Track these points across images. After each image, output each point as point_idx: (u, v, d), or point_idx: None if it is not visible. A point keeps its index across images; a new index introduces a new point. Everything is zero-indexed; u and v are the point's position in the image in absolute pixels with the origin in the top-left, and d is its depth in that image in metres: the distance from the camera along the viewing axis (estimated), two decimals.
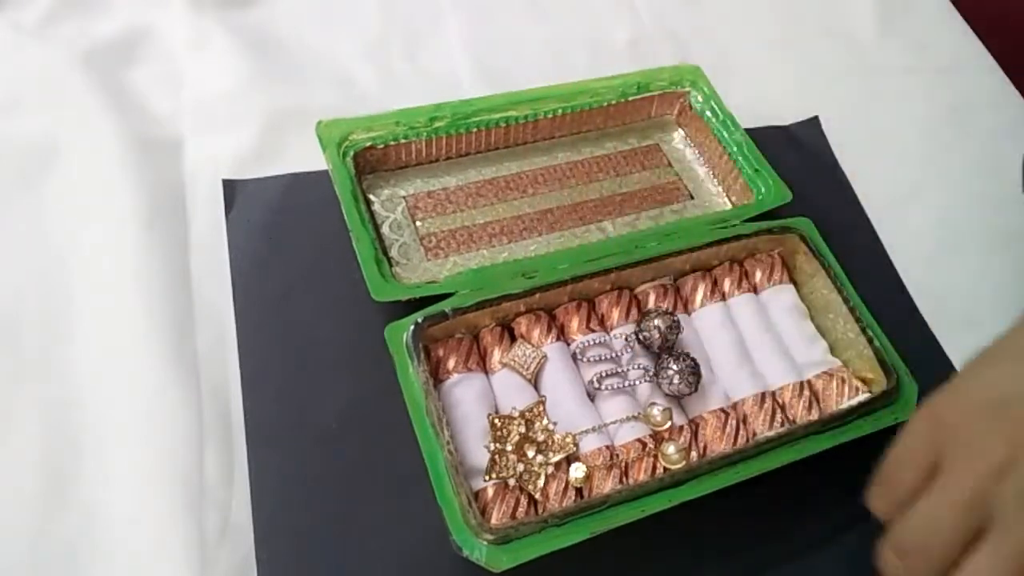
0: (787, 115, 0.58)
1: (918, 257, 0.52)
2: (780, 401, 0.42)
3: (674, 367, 0.40)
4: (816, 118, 0.58)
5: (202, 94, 0.52)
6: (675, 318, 0.41)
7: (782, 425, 0.40)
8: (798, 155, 0.56)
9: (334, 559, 0.37)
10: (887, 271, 0.51)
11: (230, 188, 0.48)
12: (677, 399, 0.41)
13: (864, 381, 0.42)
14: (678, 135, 0.54)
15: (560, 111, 0.51)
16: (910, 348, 0.42)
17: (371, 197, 0.47)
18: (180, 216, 0.47)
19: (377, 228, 0.45)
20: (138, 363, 0.41)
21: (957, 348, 0.47)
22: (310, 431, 0.40)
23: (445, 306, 0.40)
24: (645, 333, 0.41)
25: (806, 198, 0.53)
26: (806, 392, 0.42)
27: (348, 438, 0.40)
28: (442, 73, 0.57)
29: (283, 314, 0.44)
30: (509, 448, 0.37)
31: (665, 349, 0.41)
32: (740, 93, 0.58)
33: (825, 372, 0.43)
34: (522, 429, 0.38)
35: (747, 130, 0.56)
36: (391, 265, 0.44)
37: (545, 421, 0.38)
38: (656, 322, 0.41)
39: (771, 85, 0.60)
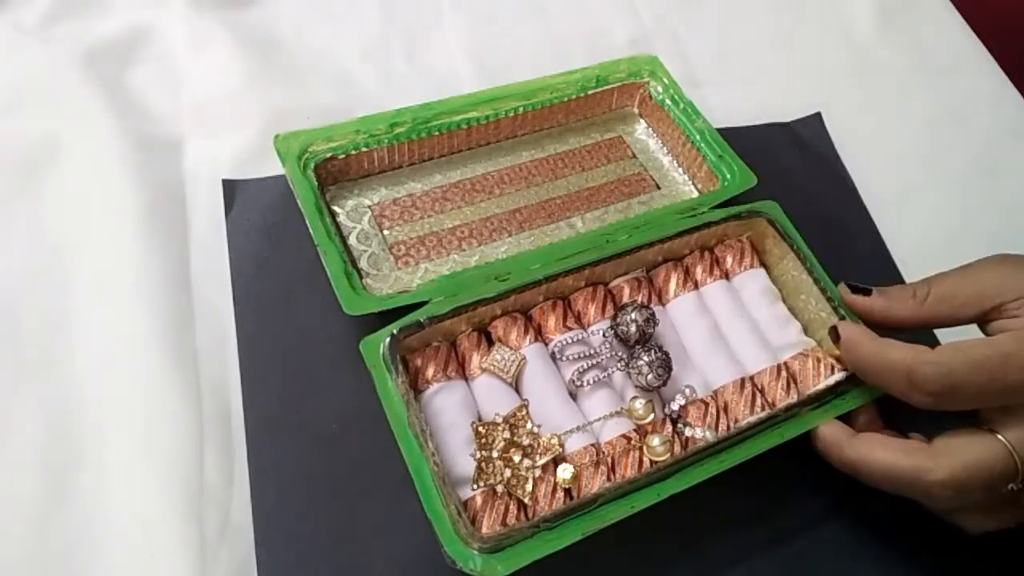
0: (787, 114, 0.58)
1: (919, 253, 0.52)
2: (759, 385, 0.42)
3: (645, 359, 0.40)
4: (819, 114, 0.58)
5: (202, 94, 0.52)
6: (651, 311, 0.41)
7: (763, 409, 0.41)
8: (800, 152, 0.56)
9: (334, 559, 0.37)
10: (888, 267, 0.51)
11: (230, 188, 0.48)
12: (655, 391, 0.41)
13: (839, 360, 0.42)
14: (640, 126, 0.54)
15: (521, 109, 0.50)
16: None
17: (336, 208, 0.46)
18: (180, 216, 0.47)
19: (344, 240, 0.44)
20: (138, 363, 0.41)
21: None
22: (310, 431, 0.40)
23: (420, 315, 0.39)
24: (622, 327, 0.41)
25: (808, 194, 0.53)
26: (783, 374, 0.42)
27: (348, 438, 0.40)
28: (442, 73, 0.57)
29: (283, 314, 0.44)
30: (495, 455, 0.37)
31: (643, 342, 0.41)
32: (740, 91, 0.58)
33: (800, 353, 0.43)
34: (507, 434, 0.37)
35: (748, 128, 0.56)
36: (361, 277, 0.43)
37: (529, 425, 0.38)
38: (632, 315, 0.41)
39: (771, 84, 0.60)
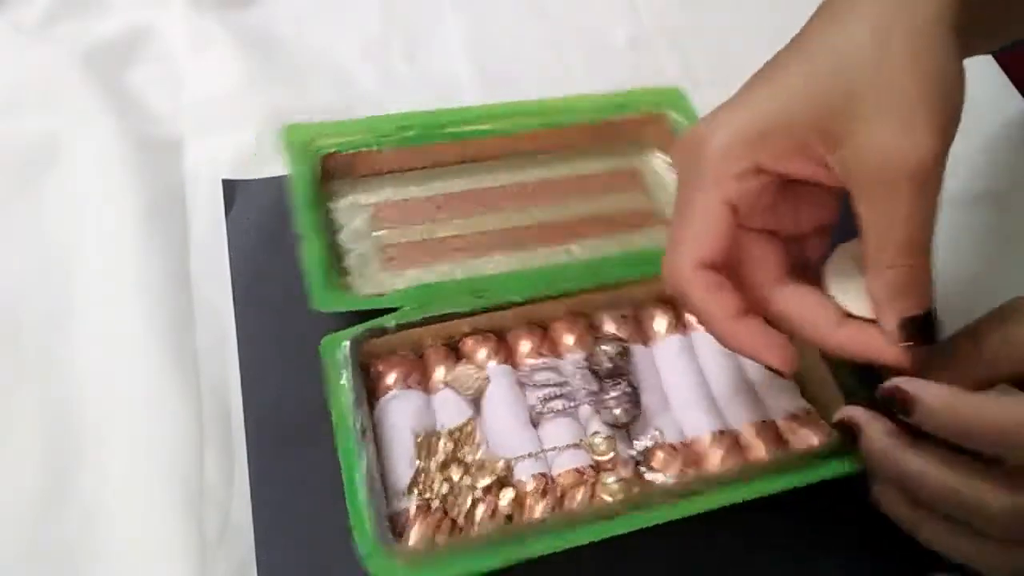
0: None
1: None
2: (740, 441, 0.39)
3: (613, 393, 0.38)
4: None
5: (202, 94, 0.52)
6: (625, 344, 0.40)
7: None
8: None
9: (334, 559, 0.37)
10: None
11: (230, 188, 0.48)
12: (624, 428, 0.39)
13: (836, 427, 0.38)
14: (658, 159, 0.52)
15: (535, 127, 0.49)
16: None
17: (332, 204, 0.46)
18: (180, 216, 0.47)
19: (335, 236, 0.44)
20: (138, 363, 0.41)
21: None
22: (310, 431, 0.40)
23: (387, 321, 0.39)
24: (595, 359, 0.40)
25: None
26: (770, 433, 0.39)
27: None
28: (442, 73, 0.57)
29: (283, 314, 0.44)
30: (433, 467, 0.36)
31: (614, 376, 0.39)
32: None
33: (792, 415, 0.40)
34: (449, 448, 0.36)
35: None
36: (345, 275, 0.42)
37: (476, 442, 0.37)
38: (605, 348, 0.39)
39: None
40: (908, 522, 0.34)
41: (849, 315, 0.33)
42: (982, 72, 0.63)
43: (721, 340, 0.33)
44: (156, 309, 0.43)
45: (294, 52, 0.56)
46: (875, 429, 0.33)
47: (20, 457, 0.38)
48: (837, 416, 0.35)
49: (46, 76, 0.51)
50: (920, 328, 0.31)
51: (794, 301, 0.34)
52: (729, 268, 0.33)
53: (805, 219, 0.35)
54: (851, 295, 0.33)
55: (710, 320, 0.33)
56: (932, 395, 0.31)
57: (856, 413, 0.34)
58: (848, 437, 0.34)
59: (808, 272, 0.35)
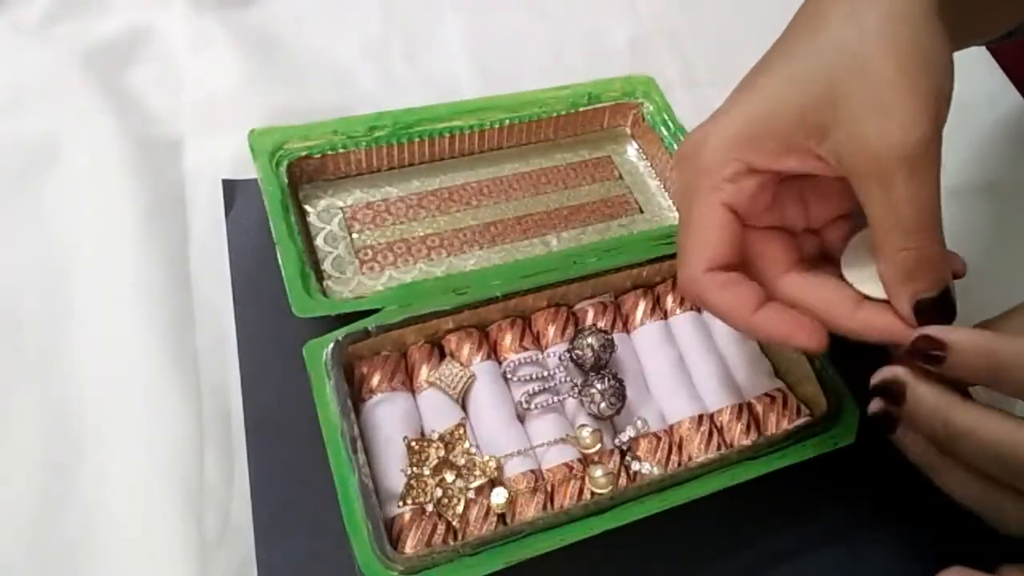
0: None
1: None
2: (718, 424, 0.40)
3: (597, 386, 0.38)
4: None
5: (202, 94, 0.52)
6: (609, 337, 0.40)
7: (719, 449, 0.39)
8: None
9: (334, 560, 0.37)
10: None
11: (230, 188, 0.48)
12: (608, 420, 0.39)
13: (807, 403, 0.41)
14: (632, 147, 0.53)
15: (507, 121, 0.49)
16: None
17: (307, 208, 0.46)
18: (180, 216, 0.47)
19: (311, 240, 0.44)
20: (138, 363, 0.41)
21: None
22: (309, 431, 0.40)
23: (368, 323, 0.39)
24: (578, 351, 0.40)
25: None
26: (745, 415, 0.40)
27: None
28: (442, 73, 0.57)
29: (283, 314, 0.43)
30: (427, 472, 0.36)
31: (597, 368, 0.39)
32: None
33: (766, 394, 0.41)
34: (441, 453, 0.36)
35: None
36: (324, 279, 0.43)
37: (466, 444, 0.37)
38: (589, 340, 0.39)
39: None
40: (931, 467, 0.33)
41: (867, 299, 0.33)
42: (979, 68, 0.63)
43: (747, 333, 0.33)
44: (156, 309, 0.43)
45: (294, 52, 0.56)
46: (923, 386, 0.32)
47: (20, 457, 0.38)
48: (878, 376, 0.33)
49: (46, 76, 0.51)
50: (936, 307, 0.31)
51: (810, 290, 0.34)
52: (743, 268, 0.33)
53: (815, 212, 0.35)
54: (868, 282, 0.33)
55: (731, 316, 0.33)
56: (964, 338, 0.30)
57: (900, 372, 0.32)
58: (892, 397, 0.32)
59: (829, 262, 0.35)
